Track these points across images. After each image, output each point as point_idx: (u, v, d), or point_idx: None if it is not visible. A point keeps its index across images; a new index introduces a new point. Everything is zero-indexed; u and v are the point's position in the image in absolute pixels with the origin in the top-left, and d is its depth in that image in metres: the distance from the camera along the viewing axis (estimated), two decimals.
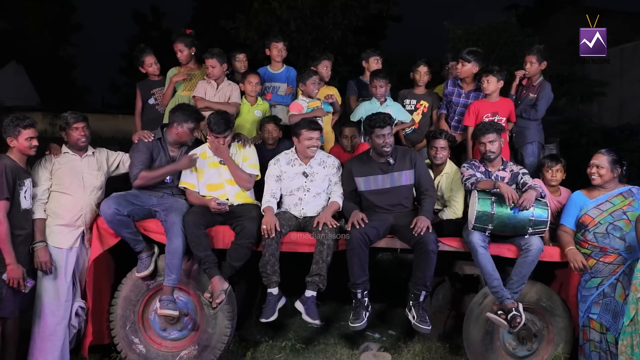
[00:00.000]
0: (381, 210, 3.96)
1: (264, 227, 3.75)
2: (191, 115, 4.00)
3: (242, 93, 4.80)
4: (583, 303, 3.83)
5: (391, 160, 3.95)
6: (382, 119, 3.90)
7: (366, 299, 3.73)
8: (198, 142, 4.33)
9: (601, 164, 3.84)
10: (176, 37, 5.00)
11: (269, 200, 4.00)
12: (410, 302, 3.74)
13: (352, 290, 3.75)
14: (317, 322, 3.80)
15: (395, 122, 4.41)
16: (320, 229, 3.77)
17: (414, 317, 3.70)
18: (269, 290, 3.76)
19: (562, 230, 3.96)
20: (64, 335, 3.74)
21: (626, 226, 3.72)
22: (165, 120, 4.53)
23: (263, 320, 3.74)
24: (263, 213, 3.90)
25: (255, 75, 4.73)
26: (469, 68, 4.73)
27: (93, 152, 3.98)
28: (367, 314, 3.72)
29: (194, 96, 4.71)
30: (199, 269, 3.83)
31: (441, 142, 4.25)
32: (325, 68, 4.95)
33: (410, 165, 3.96)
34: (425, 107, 4.96)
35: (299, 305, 3.81)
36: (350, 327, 3.72)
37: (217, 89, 4.72)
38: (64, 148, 3.91)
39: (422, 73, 4.95)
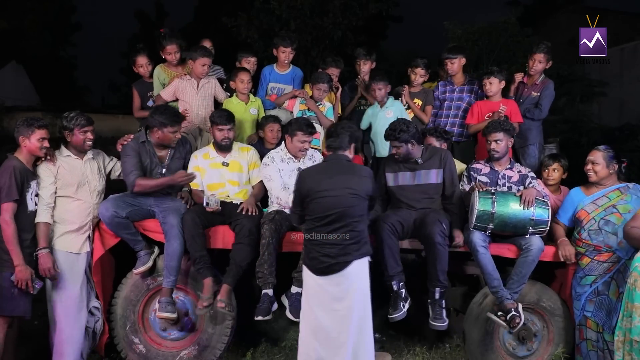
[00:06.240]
0: (405, 207, 3.95)
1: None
2: (169, 119, 3.86)
3: (230, 90, 4.78)
4: (577, 301, 3.83)
5: (419, 160, 3.97)
6: (388, 135, 3.94)
7: (403, 290, 3.69)
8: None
9: (596, 160, 3.84)
10: (168, 40, 4.78)
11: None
12: (428, 301, 3.74)
13: (387, 283, 3.72)
14: (299, 319, 3.73)
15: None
16: None
17: (429, 316, 3.70)
18: (264, 290, 3.73)
19: (555, 223, 3.96)
20: (80, 336, 3.74)
21: (617, 220, 3.71)
22: None
23: (257, 318, 3.72)
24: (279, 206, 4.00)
25: (247, 73, 4.72)
26: (457, 64, 4.82)
27: (92, 156, 3.92)
28: (406, 305, 3.68)
29: (158, 95, 4.64)
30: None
31: (433, 140, 4.25)
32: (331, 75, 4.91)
33: (439, 164, 3.96)
34: (418, 105, 4.97)
35: (284, 300, 3.80)
36: (390, 319, 3.69)
37: (198, 87, 4.65)
38: (65, 151, 3.81)
39: (419, 75, 4.99)
